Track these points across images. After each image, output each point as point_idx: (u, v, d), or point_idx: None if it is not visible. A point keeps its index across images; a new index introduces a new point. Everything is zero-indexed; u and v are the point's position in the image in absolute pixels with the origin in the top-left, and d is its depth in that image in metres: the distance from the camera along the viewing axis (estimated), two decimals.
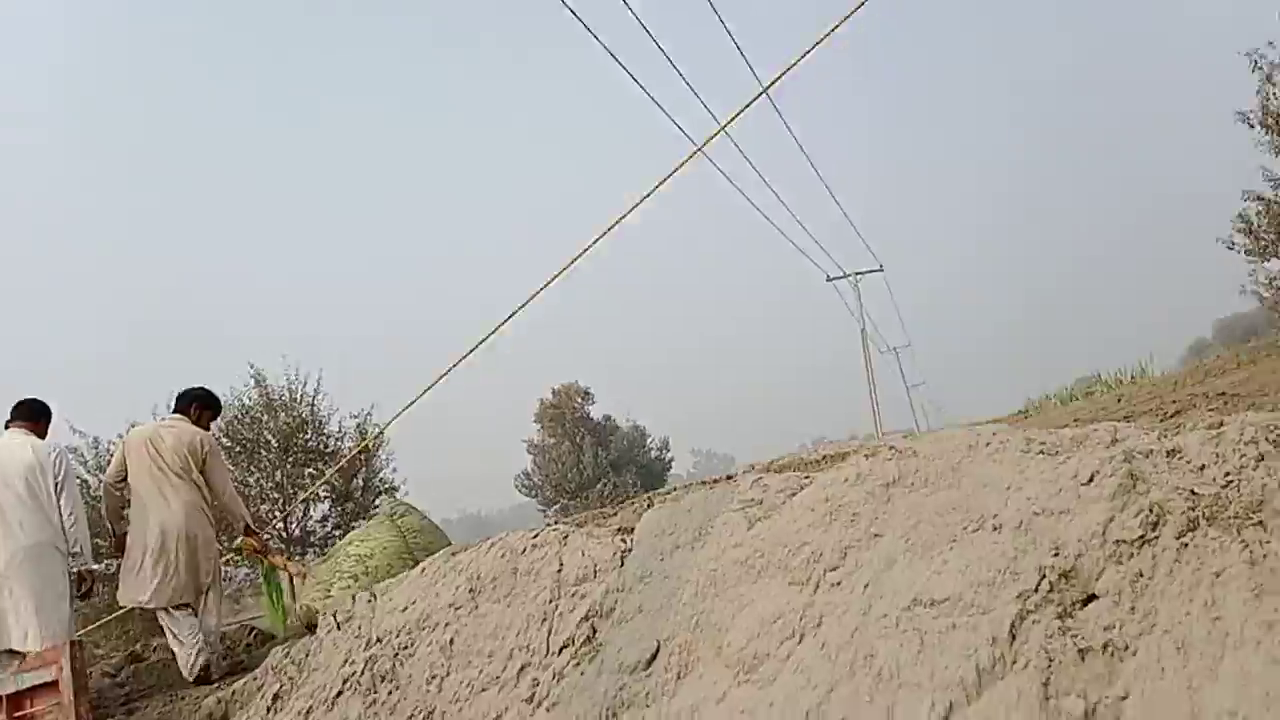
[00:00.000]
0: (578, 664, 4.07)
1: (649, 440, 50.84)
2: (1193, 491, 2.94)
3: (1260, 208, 16.28)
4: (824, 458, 5.01)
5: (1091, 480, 3.13)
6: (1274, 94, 15.62)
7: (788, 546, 3.75)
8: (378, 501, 21.05)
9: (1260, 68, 15.69)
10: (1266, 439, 3.00)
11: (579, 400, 48.89)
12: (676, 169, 6.03)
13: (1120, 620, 2.78)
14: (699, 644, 3.74)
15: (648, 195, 5.90)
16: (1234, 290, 17.13)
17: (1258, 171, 16.25)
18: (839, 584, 3.48)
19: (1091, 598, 2.89)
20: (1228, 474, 2.98)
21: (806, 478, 4.18)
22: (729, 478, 4.56)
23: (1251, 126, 16.14)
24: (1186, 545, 2.84)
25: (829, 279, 34.78)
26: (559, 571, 4.61)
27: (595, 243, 6.04)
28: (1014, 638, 2.85)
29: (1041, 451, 3.47)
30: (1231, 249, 16.62)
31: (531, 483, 48.60)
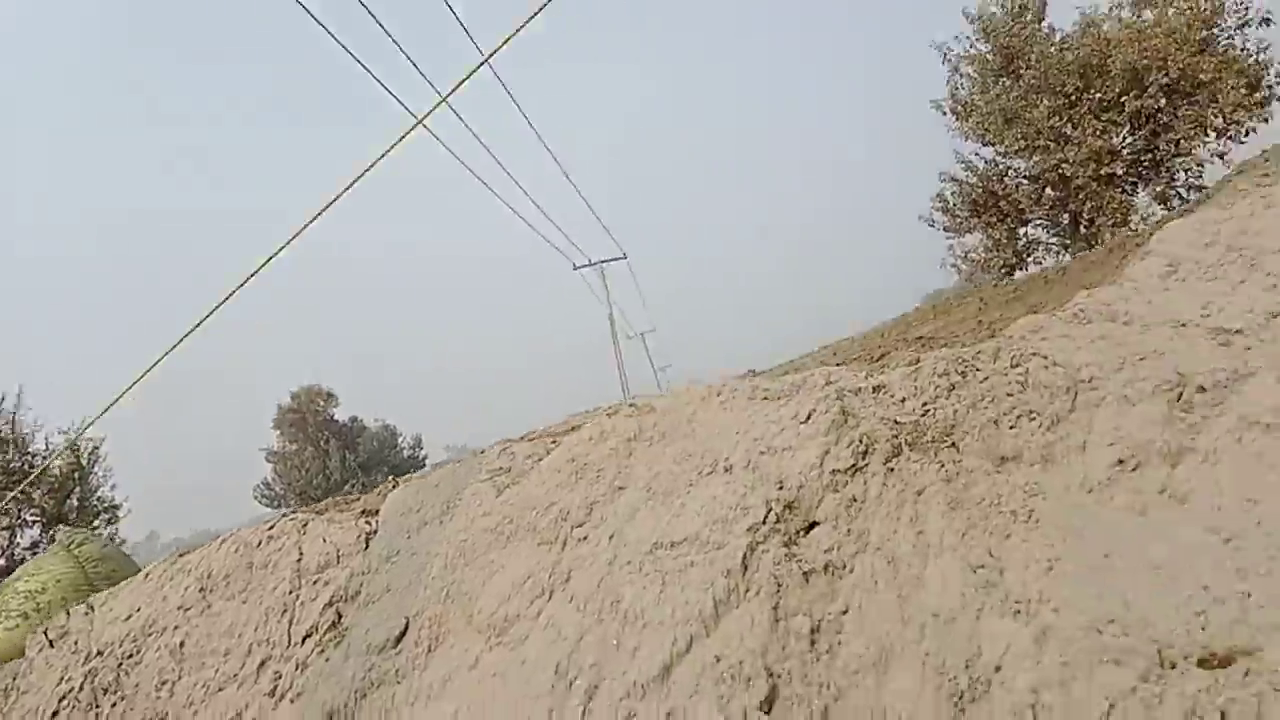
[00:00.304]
0: (322, 651, 3.90)
1: (400, 439, 49.17)
2: (896, 421, 3.22)
3: (954, 188, 17.91)
4: (571, 428, 5.05)
5: (809, 418, 3.35)
6: (960, 84, 17.24)
7: (536, 509, 3.76)
8: (95, 523, 19.16)
9: (949, 60, 17.27)
10: (956, 370, 3.33)
11: (321, 403, 46.50)
12: (396, 143, 5.85)
13: (839, 542, 3.00)
14: (450, 615, 3.68)
15: (365, 171, 5.70)
16: (936, 265, 18.83)
17: (953, 155, 17.89)
18: (586, 539, 3.53)
19: (813, 524, 3.10)
20: (925, 404, 3.28)
21: (554, 442, 4.21)
22: (479, 453, 4.53)
23: (944, 114, 17.77)
24: (892, 470, 3.10)
25: (575, 267, 35.02)
26: (299, 561, 4.38)
27: (308, 225, 5.74)
28: (746, 568, 3.00)
29: (766, 397, 3.68)
30: (932, 226, 18.22)
31: (273, 492, 45.54)
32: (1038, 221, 17.67)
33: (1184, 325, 3.08)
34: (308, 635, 4.02)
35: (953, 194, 18.10)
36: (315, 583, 4.25)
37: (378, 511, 4.58)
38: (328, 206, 5.88)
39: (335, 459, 43.41)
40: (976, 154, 17.90)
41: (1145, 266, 3.36)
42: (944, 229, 18.57)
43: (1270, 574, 2.48)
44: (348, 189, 5.67)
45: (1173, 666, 2.29)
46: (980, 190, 17.63)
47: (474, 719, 3.20)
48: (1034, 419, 3.01)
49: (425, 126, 6.02)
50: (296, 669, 3.90)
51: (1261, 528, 2.57)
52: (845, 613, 2.85)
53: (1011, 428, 3.02)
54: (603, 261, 35.99)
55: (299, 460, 43.98)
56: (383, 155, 5.78)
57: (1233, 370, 2.88)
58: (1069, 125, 16.25)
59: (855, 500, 3.07)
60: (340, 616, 4.04)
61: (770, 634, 2.83)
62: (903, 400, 3.32)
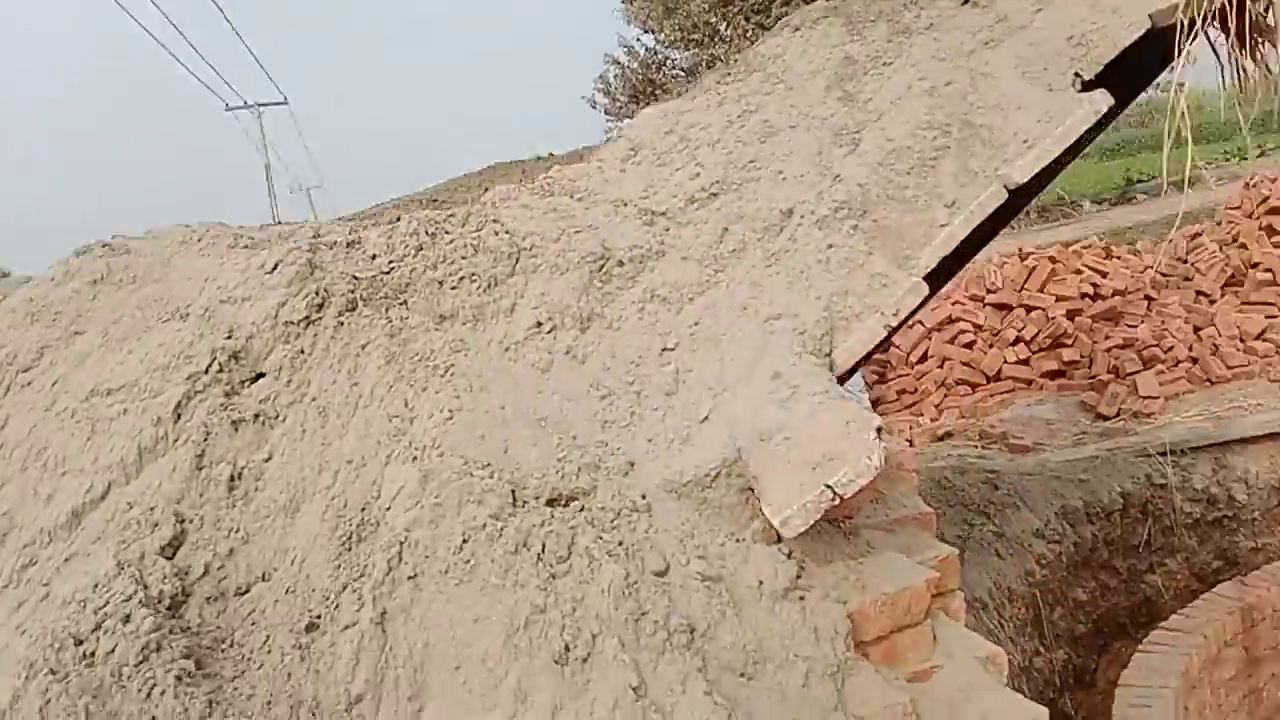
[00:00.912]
0: None
1: None
2: (355, 277, 3.25)
3: (618, 71, 18.32)
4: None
5: (275, 269, 3.30)
6: None
7: None
8: None
9: None
10: (426, 231, 3.41)
11: None
12: None
13: (277, 393, 3.02)
14: None
15: None
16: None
17: (616, 37, 18.27)
18: (30, 384, 3.32)
19: (260, 375, 3.09)
20: (391, 261, 3.34)
21: (29, 279, 3.89)
22: None
23: None
24: (343, 324, 3.15)
25: (228, 108, 32.04)
26: None
27: None
28: (179, 417, 2.95)
29: (246, 245, 3.59)
30: (595, 108, 18.61)
31: None
32: None
33: (624, 204, 3.35)
34: None
35: (615, 77, 18.60)
36: None
37: None
38: None
39: None
40: (639, 40, 18.41)
41: (613, 148, 3.61)
42: (605, 111, 19.11)
43: (628, 426, 2.82)
44: None
45: (524, 505, 2.55)
46: (640, 77, 18.22)
47: None
48: (475, 281, 3.16)
49: None
50: None
51: (634, 386, 2.90)
52: (269, 460, 2.90)
53: (454, 288, 3.16)
54: (260, 105, 33.08)
55: None
56: None
57: (649, 248, 3.18)
58: (723, 23, 17.08)
59: (303, 352, 3.10)
60: None
61: (191, 481, 2.82)
62: (373, 257, 3.37)
